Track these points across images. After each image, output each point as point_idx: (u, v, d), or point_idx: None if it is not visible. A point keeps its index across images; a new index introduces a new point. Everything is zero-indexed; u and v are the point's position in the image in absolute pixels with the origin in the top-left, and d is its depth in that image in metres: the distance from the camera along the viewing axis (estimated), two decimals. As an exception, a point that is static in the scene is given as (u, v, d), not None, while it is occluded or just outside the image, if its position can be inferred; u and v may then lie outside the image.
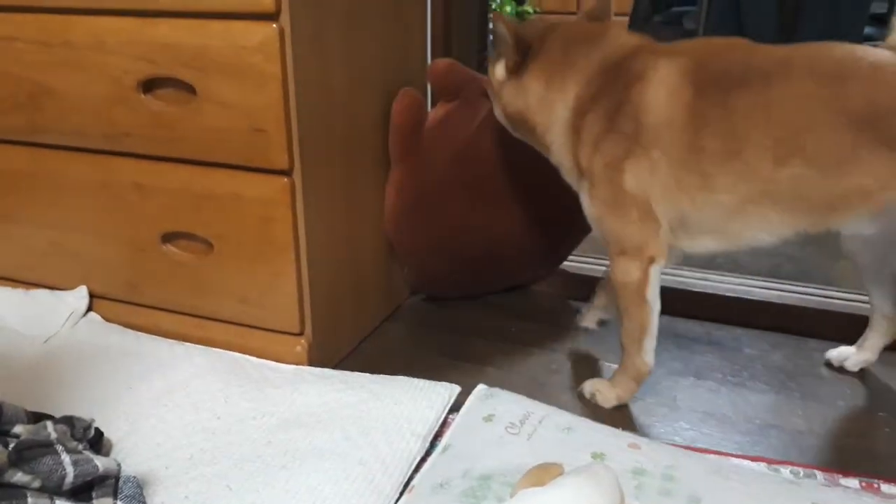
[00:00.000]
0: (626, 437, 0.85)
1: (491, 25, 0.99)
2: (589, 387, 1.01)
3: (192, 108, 0.94)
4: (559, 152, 0.96)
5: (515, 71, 0.96)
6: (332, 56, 0.97)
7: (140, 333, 1.09)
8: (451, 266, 1.25)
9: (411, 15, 1.18)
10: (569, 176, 0.97)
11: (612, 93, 0.89)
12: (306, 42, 0.91)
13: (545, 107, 0.94)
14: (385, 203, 1.15)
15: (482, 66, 1.51)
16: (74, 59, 0.99)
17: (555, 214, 1.23)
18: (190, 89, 0.94)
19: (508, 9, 3.96)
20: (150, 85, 0.96)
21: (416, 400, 0.91)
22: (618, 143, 0.87)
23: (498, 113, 1.03)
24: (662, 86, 0.86)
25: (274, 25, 0.87)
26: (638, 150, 0.87)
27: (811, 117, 0.81)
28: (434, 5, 1.23)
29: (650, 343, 0.96)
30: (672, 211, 0.89)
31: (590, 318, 1.19)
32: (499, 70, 0.99)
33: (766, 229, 0.88)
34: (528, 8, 4.11)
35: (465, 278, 1.28)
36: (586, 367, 1.10)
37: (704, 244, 0.93)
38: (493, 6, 3.96)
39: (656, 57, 0.89)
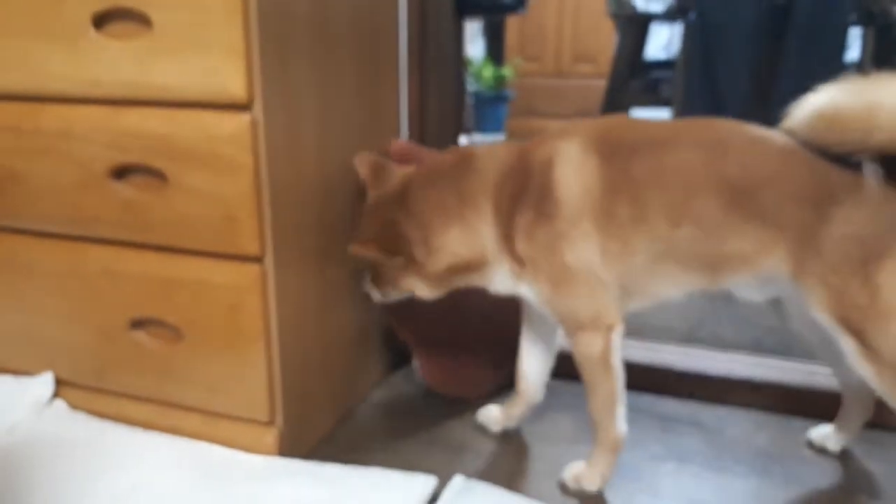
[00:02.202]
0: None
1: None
2: (569, 475, 0.98)
3: (163, 196, 0.93)
4: (498, 263, 0.95)
5: (415, 259, 0.95)
6: (306, 144, 0.97)
7: (105, 423, 1.05)
8: (456, 338, 1.22)
9: (385, 100, 1.19)
10: (509, 281, 0.96)
11: (526, 187, 0.91)
12: (279, 132, 0.90)
13: (470, 239, 0.94)
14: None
15: (456, 139, 1.53)
16: (43, 145, 0.98)
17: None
18: (161, 176, 0.93)
19: (488, 72, 4.04)
20: (120, 172, 0.96)
21: (391, 495, 0.88)
22: (548, 224, 0.89)
23: (428, 291, 0.99)
24: (570, 162, 0.89)
25: (247, 116, 0.87)
26: (567, 225, 0.89)
27: (696, 184, 0.86)
28: (410, 87, 1.23)
29: (622, 410, 0.96)
30: (611, 275, 0.91)
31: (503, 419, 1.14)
32: (408, 281, 0.97)
33: (673, 285, 0.93)
34: (507, 71, 4.20)
35: (474, 346, 1.24)
36: (565, 450, 1.07)
37: (631, 305, 0.95)
38: (472, 68, 4.05)
39: (555, 141, 0.92)
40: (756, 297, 0.94)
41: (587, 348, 0.93)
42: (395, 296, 1.02)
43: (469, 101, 4.15)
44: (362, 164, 1.01)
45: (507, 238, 0.93)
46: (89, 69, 0.92)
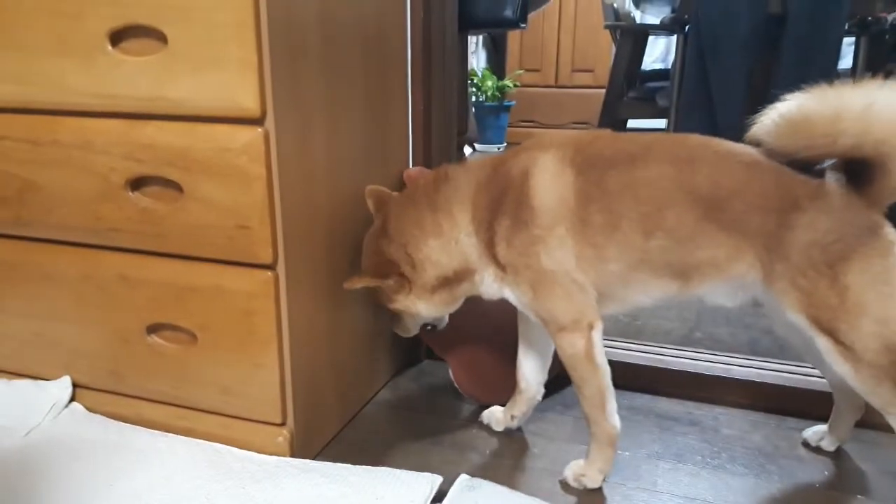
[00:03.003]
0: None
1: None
2: (570, 474, 1.02)
3: (179, 206, 0.97)
4: (483, 269, 1.00)
5: (404, 277, 1.02)
6: (316, 155, 1.01)
7: (122, 424, 1.09)
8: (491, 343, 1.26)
9: (392, 114, 1.23)
10: (495, 286, 1.00)
11: (504, 195, 0.96)
12: (290, 144, 0.94)
13: (450, 247, 0.99)
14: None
15: (461, 148, 1.57)
16: (62, 157, 1.02)
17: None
18: (177, 187, 0.97)
19: (489, 83, 4.08)
20: (137, 183, 0.99)
21: (398, 493, 0.91)
22: (525, 231, 0.94)
23: (427, 309, 1.05)
24: (546, 172, 0.94)
25: (259, 129, 0.90)
26: (543, 231, 0.93)
27: (669, 196, 0.91)
28: (414, 99, 1.27)
29: (612, 405, 0.99)
30: (586, 280, 0.95)
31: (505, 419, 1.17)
32: (406, 302, 1.04)
33: (645, 293, 0.97)
34: (508, 82, 4.24)
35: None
36: (568, 447, 1.11)
37: (605, 310, 0.99)
38: (475, 80, 4.10)
39: (532, 153, 0.97)
40: (728, 302, 0.97)
41: (570, 348, 0.96)
42: (413, 324, 1.11)
43: (471, 111, 4.19)
44: (369, 197, 1.08)
45: (489, 244, 0.97)
46: (106, 84, 0.96)
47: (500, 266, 0.98)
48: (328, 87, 1.02)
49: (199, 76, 0.91)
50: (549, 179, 0.94)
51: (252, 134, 0.91)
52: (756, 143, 0.92)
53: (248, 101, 0.90)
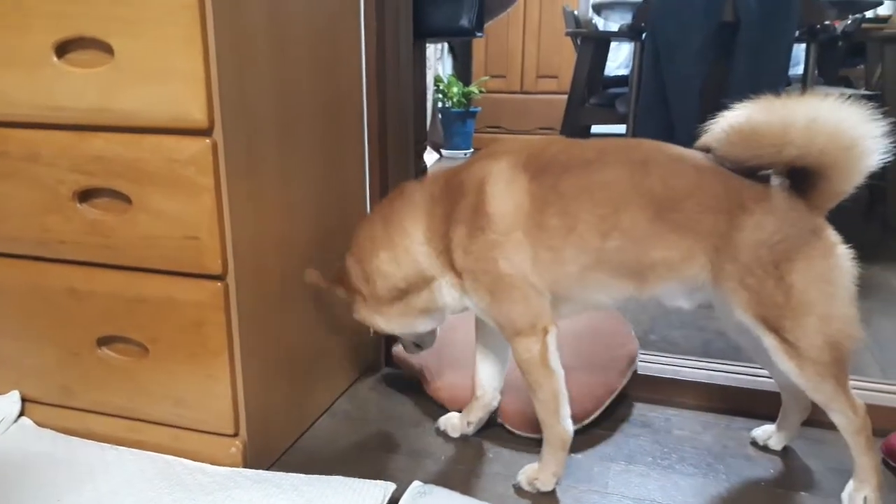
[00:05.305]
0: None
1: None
2: (524, 478, 1.03)
3: (128, 217, 0.97)
4: (441, 278, 1.01)
5: (356, 289, 1.06)
6: (267, 166, 1.01)
7: (72, 438, 1.08)
8: None
9: (346, 123, 1.23)
10: (456, 295, 1.02)
11: (459, 204, 0.97)
12: (240, 154, 0.95)
13: (401, 258, 1.02)
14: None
15: (420, 156, 1.58)
16: (9, 169, 1.01)
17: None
18: (125, 199, 0.96)
19: (455, 89, 4.11)
20: (86, 194, 0.99)
21: (351, 501, 0.92)
22: (482, 237, 0.96)
23: (385, 322, 1.07)
24: (501, 178, 0.96)
25: (207, 140, 0.91)
26: (500, 237, 0.95)
27: (624, 197, 0.93)
28: (369, 108, 1.28)
29: (565, 409, 1.01)
30: (543, 283, 0.96)
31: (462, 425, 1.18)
32: (364, 313, 1.08)
33: (604, 293, 0.99)
34: (474, 88, 4.27)
35: None
36: (522, 452, 1.12)
37: (564, 310, 1.01)
38: (441, 86, 4.11)
39: (486, 161, 0.99)
40: (684, 304, 0.99)
41: (526, 353, 0.98)
42: (407, 343, 1.17)
43: (438, 117, 4.21)
44: None
45: (446, 252, 0.98)
46: (52, 96, 0.95)
47: (458, 274, 0.99)
48: (279, 98, 1.02)
49: (146, 88, 0.91)
50: (504, 186, 0.95)
51: (200, 145, 0.91)
52: (706, 150, 0.94)
53: (195, 113, 0.90)
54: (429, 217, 1.00)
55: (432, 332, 1.17)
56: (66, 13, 0.92)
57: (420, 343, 1.18)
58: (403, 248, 1.01)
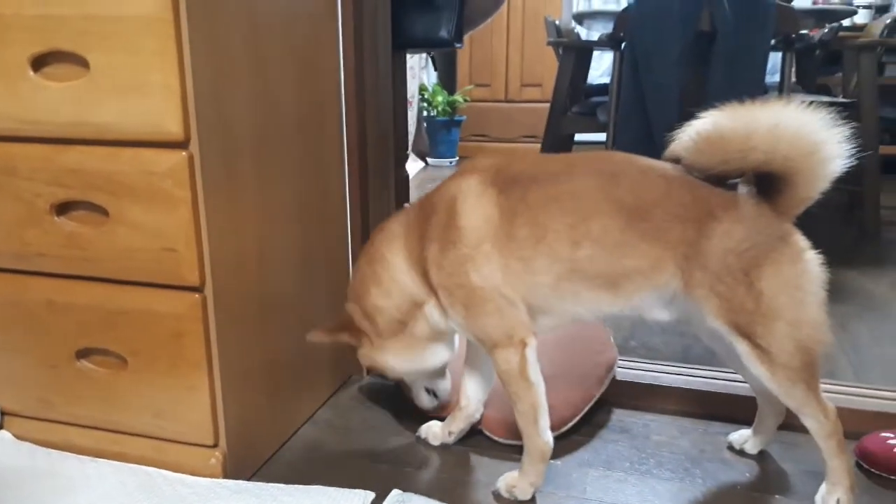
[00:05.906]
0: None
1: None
2: (503, 485, 1.04)
3: (106, 230, 0.97)
4: (426, 301, 1.02)
5: (359, 331, 1.07)
6: (244, 178, 1.02)
7: (51, 451, 1.08)
8: None
9: (326, 133, 1.24)
10: (440, 315, 1.03)
11: (430, 223, 0.99)
12: (217, 167, 0.95)
13: (391, 289, 1.03)
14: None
15: (401, 166, 1.59)
16: (-13, 183, 1.01)
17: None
18: (103, 211, 0.97)
19: (440, 98, 4.13)
20: (63, 207, 0.99)
21: (329, 510, 0.92)
22: (453, 251, 0.97)
23: (395, 359, 1.08)
24: (470, 193, 0.98)
25: (183, 153, 0.91)
26: (470, 250, 0.96)
27: (593, 206, 0.94)
28: (348, 120, 1.29)
29: (545, 421, 1.01)
30: (517, 294, 0.97)
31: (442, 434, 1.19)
32: (374, 357, 1.09)
33: (580, 304, 0.99)
34: (459, 97, 4.29)
35: None
36: (503, 460, 1.13)
37: (545, 324, 1.01)
38: (426, 95, 4.13)
39: (456, 179, 1.01)
40: (663, 316, 1.00)
41: (505, 364, 0.99)
42: (417, 390, 1.19)
43: (423, 126, 4.23)
44: None
45: (424, 274, 1.00)
46: (28, 109, 0.96)
47: (435, 291, 1.00)
48: (257, 109, 1.03)
49: (122, 101, 0.92)
50: (474, 200, 0.97)
51: (176, 157, 0.92)
52: (676, 161, 0.96)
53: (171, 126, 0.91)
54: (407, 242, 1.02)
55: (444, 375, 1.18)
56: (41, 27, 0.92)
57: (433, 389, 1.19)
58: (389, 278, 1.03)
